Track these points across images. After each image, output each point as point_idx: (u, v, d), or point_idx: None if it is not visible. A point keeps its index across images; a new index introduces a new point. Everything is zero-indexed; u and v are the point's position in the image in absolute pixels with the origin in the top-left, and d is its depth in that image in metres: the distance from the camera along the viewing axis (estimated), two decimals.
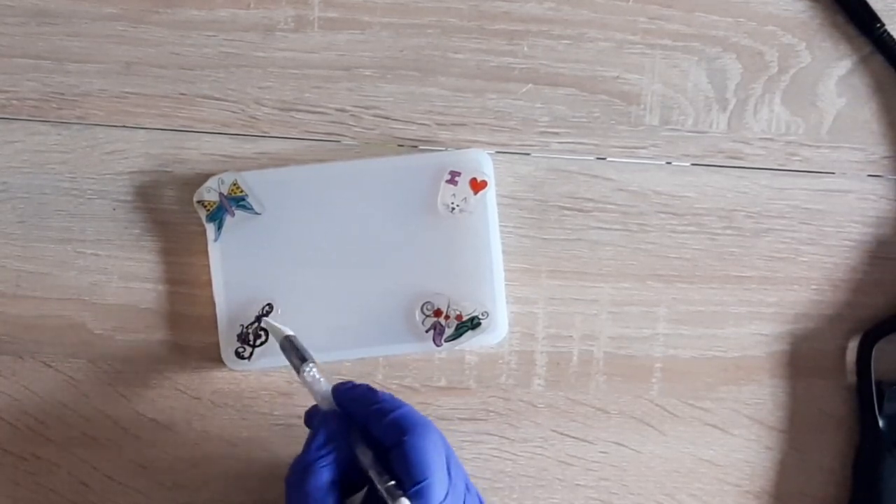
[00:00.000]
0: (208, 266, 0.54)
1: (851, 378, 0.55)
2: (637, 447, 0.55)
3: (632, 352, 0.55)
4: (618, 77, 0.55)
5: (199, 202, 0.54)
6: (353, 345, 0.54)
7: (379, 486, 0.46)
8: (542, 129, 0.55)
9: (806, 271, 0.55)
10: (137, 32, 0.55)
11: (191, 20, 0.55)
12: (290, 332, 0.51)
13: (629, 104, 0.55)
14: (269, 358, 0.54)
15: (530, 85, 0.55)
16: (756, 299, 0.55)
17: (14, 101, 0.55)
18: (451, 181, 0.53)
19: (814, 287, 0.55)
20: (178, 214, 0.55)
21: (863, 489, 0.55)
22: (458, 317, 0.54)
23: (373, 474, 0.46)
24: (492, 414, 0.55)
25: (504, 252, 0.54)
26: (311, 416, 0.50)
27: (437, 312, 0.54)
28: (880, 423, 0.54)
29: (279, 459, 0.55)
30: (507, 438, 0.55)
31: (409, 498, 0.45)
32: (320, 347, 0.54)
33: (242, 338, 0.54)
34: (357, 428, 0.48)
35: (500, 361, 0.55)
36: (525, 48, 0.55)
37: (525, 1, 0.55)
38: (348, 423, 0.48)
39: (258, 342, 0.54)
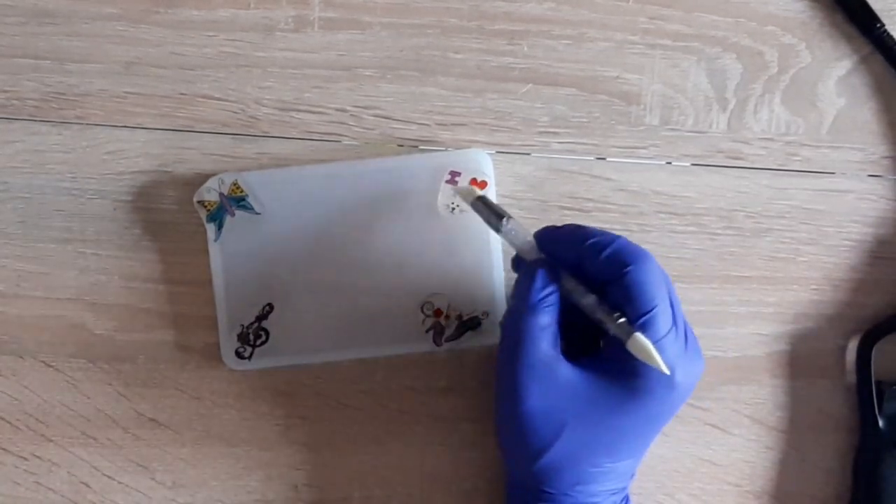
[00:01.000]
0: (208, 266, 0.54)
1: (851, 378, 0.55)
2: None
3: None
4: (618, 77, 0.55)
5: (199, 202, 0.54)
6: (353, 345, 0.54)
7: (608, 325, 0.45)
8: (542, 129, 0.55)
9: (806, 271, 0.55)
10: (137, 32, 0.55)
11: (191, 20, 0.55)
12: (480, 193, 0.51)
13: (629, 104, 0.55)
14: (270, 358, 0.54)
15: (530, 85, 0.55)
16: (756, 299, 0.55)
17: (14, 101, 0.55)
18: (451, 181, 0.53)
19: (814, 287, 0.56)
20: (179, 214, 0.55)
21: (863, 489, 0.55)
22: (458, 317, 0.54)
23: (599, 313, 0.45)
24: (492, 414, 0.55)
25: (504, 252, 0.54)
26: (519, 263, 0.49)
27: (437, 312, 0.54)
28: (880, 423, 0.54)
29: (279, 459, 0.55)
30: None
31: (641, 331, 0.44)
32: (320, 347, 0.54)
33: (242, 338, 0.54)
34: (567, 272, 0.47)
35: None
36: (525, 48, 0.55)
37: (525, 1, 0.55)
38: (559, 270, 0.47)
39: (258, 342, 0.54)
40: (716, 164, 0.55)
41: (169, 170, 0.55)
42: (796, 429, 0.56)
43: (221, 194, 0.54)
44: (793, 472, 0.56)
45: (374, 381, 0.55)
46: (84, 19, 0.55)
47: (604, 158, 0.55)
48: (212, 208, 0.54)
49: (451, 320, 0.54)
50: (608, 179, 0.55)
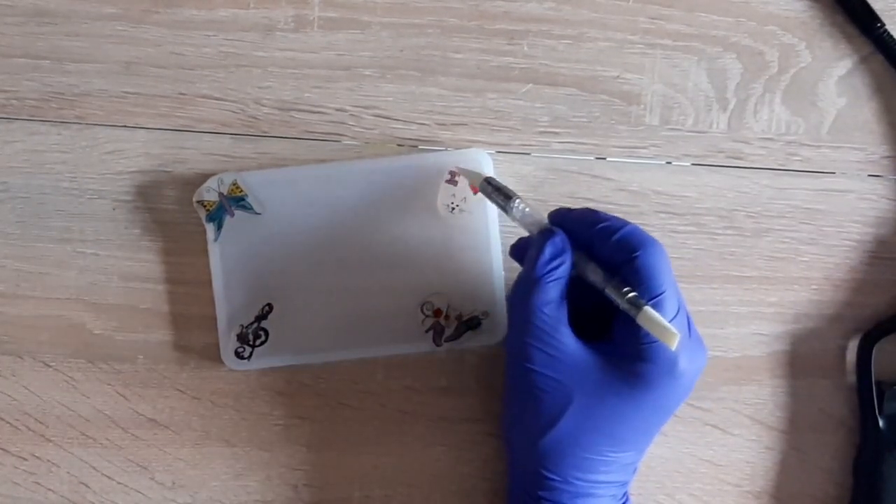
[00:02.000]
0: (208, 266, 0.54)
1: (852, 378, 0.55)
2: None
3: None
4: (618, 77, 0.55)
5: (198, 202, 0.54)
6: (353, 345, 0.54)
7: (618, 300, 0.45)
8: (543, 129, 0.55)
9: (806, 271, 0.55)
10: (137, 32, 0.54)
11: (190, 20, 0.54)
12: (487, 174, 0.51)
13: (629, 104, 0.55)
14: (269, 358, 0.54)
15: (530, 85, 0.55)
16: (756, 299, 0.55)
17: (13, 101, 0.55)
18: (451, 181, 0.53)
19: (814, 287, 0.56)
20: (178, 214, 0.55)
21: (863, 489, 0.55)
22: (458, 317, 0.54)
23: (609, 288, 0.46)
24: (492, 414, 0.55)
25: (504, 252, 0.54)
26: (519, 248, 0.50)
27: (437, 312, 0.54)
28: (880, 423, 0.54)
29: (279, 459, 0.55)
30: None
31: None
32: (320, 347, 0.54)
33: (242, 338, 0.54)
34: (580, 249, 0.47)
35: (500, 361, 0.55)
36: (525, 48, 0.55)
37: (525, 1, 0.55)
38: (572, 242, 0.47)
39: (258, 342, 0.54)
40: (716, 164, 0.55)
41: (168, 169, 0.55)
42: (796, 429, 0.56)
43: (221, 194, 0.53)
44: (793, 473, 0.56)
45: (373, 381, 0.55)
46: (83, 19, 0.54)
47: (604, 158, 0.55)
48: (211, 208, 0.54)
49: (450, 320, 0.54)
50: (608, 179, 0.55)
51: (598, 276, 0.46)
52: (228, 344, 0.54)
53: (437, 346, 0.54)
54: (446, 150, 0.55)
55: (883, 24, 0.54)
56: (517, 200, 0.49)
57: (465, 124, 0.55)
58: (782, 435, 0.56)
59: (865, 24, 0.54)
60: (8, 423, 0.55)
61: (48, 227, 0.55)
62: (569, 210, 0.49)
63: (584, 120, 0.55)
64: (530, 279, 0.47)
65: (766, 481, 0.56)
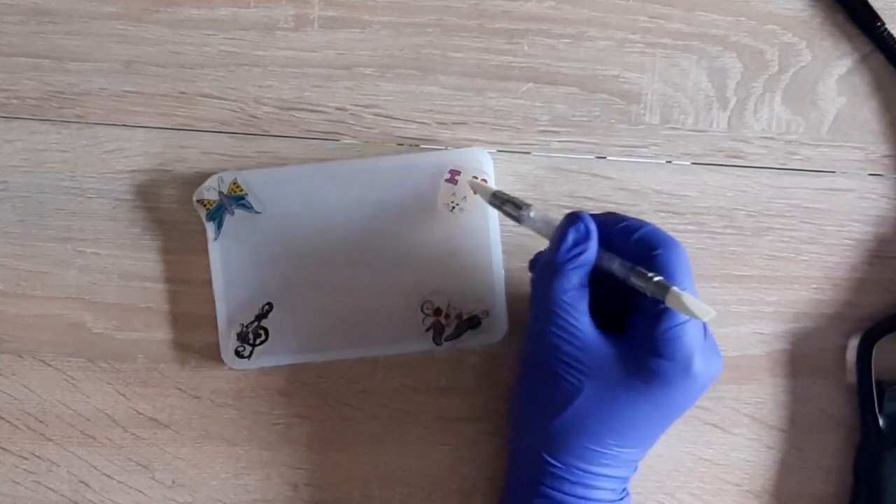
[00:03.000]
0: (208, 265, 0.54)
1: (852, 377, 0.55)
2: None
3: None
4: (618, 76, 0.55)
5: (198, 201, 0.54)
6: (353, 344, 0.54)
7: (644, 285, 0.45)
8: (543, 128, 0.55)
9: (806, 270, 0.55)
10: (137, 31, 0.54)
11: (191, 19, 0.54)
12: (496, 188, 0.51)
13: (629, 103, 0.55)
14: (270, 357, 0.54)
15: (530, 84, 0.55)
16: (756, 298, 0.55)
17: (14, 100, 0.55)
18: (451, 180, 0.53)
19: (814, 286, 0.56)
20: (178, 213, 0.55)
21: (863, 488, 0.55)
22: (459, 316, 0.54)
23: (633, 276, 0.46)
24: (492, 414, 0.55)
25: (504, 252, 0.54)
26: (537, 262, 0.50)
27: (437, 311, 0.54)
28: (881, 423, 0.54)
29: (279, 459, 0.55)
30: (507, 438, 0.55)
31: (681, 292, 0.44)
32: (320, 346, 0.54)
33: (242, 337, 0.54)
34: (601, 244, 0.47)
35: (500, 361, 0.55)
36: (525, 47, 0.55)
37: (525, 0, 0.55)
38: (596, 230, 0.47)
39: (258, 341, 0.54)
40: (716, 163, 0.55)
41: (169, 168, 0.55)
42: (797, 428, 0.56)
43: (221, 193, 0.54)
44: (793, 472, 0.56)
45: (374, 381, 0.55)
46: (84, 18, 0.54)
47: (604, 157, 0.55)
48: (211, 207, 0.54)
49: (450, 319, 0.54)
50: (608, 178, 0.55)
51: (620, 266, 0.46)
52: (228, 343, 0.54)
53: (437, 345, 0.54)
54: (446, 149, 0.55)
55: (883, 23, 0.54)
56: (528, 210, 0.49)
57: (465, 123, 0.55)
58: (782, 434, 0.56)
59: (865, 23, 0.54)
60: (8, 422, 0.55)
61: (48, 226, 0.55)
62: (585, 213, 0.49)
63: (584, 119, 0.55)
64: (553, 263, 0.47)
65: (766, 480, 0.56)
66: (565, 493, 0.48)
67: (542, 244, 0.49)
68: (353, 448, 0.55)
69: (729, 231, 0.55)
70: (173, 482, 0.55)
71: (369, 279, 0.54)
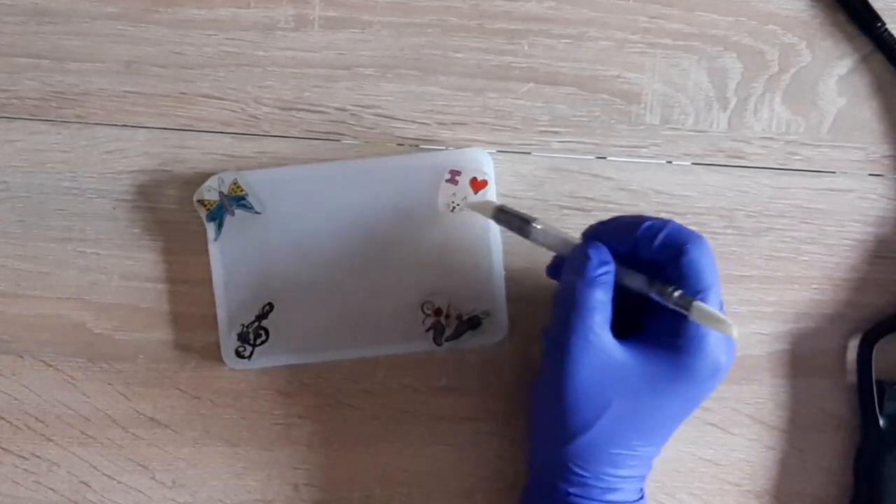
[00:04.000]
0: (208, 265, 0.54)
1: (852, 377, 0.55)
2: None
3: None
4: (618, 76, 0.55)
5: (199, 201, 0.54)
6: (354, 344, 0.54)
7: (666, 301, 0.45)
8: (543, 129, 0.55)
9: (806, 270, 0.55)
10: (137, 31, 0.54)
11: (191, 19, 0.54)
12: (498, 203, 0.51)
13: (630, 103, 0.55)
14: (270, 357, 0.54)
15: (531, 84, 0.55)
16: (756, 298, 0.55)
17: (14, 101, 0.55)
18: (452, 180, 0.53)
19: (814, 286, 0.55)
20: (178, 213, 0.55)
21: (863, 489, 0.55)
22: (459, 316, 0.54)
23: (654, 290, 0.46)
24: (492, 414, 0.55)
25: (504, 252, 0.54)
26: (555, 267, 0.50)
27: (437, 312, 0.54)
28: (881, 423, 0.54)
29: (279, 459, 0.55)
30: (508, 438, 0.55)
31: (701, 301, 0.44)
32: (321, 347, 0.54)
33: (242, 337, 0.54)
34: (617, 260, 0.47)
35: (501, 361, 0.55)
36: (525, 47, 0.55)
37: (525, 0, 0.55)
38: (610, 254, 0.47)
39: (258, 341, 0.54)
40: (716, 164, 0.55)
41: (169, 169, 0.55)
42: (797, 428, 0.56)
43: (221, 193, 0.54)
44: (793, 472, 0.56)
45: (374, 381, 0.55)
46: (84, 18, 0.54)
47: (604, 157, 0.55)
48: (211, 207, 0.54)
49: (451, 319, 0.54)
50: (609, 178, 0.55)
51: (640, 282, 0.47)
52: (229, 343, 0.54)
53: (438, 345, 0.54)
54: (447, 149, 0.55)
55: (883, 24, 0.54)
56: (536, 223, 0.49)
57: (466, 123, 0.55)
58: (783, 434, 0.56)
59: (866, 24, 0.54)
60: (8, 422, 0.55)
61: (48, 226, 0.55)
62: (602, 223, 0.49)
63: (585, 119, 0.55)
64: (579, 285, 0.47)
65: (767, 481, 0.56)
66: (593, 500, 0.48)
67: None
68: (354, 448, 0.55)
69: (729, 231, 0.55)
70: (173, 482, 0.55)
71: (369, 279, 0.54)
